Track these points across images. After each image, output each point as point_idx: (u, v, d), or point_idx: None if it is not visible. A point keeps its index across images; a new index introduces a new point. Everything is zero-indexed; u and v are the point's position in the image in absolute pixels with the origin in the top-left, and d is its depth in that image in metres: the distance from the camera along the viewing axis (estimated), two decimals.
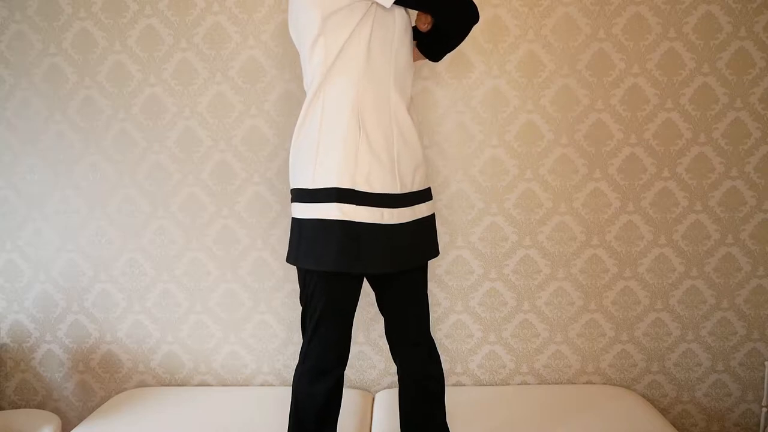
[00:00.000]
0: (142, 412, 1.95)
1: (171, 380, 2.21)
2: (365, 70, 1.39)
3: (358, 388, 2.18)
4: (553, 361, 2.17)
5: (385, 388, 2.16)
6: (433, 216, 1.55)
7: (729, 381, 2.17)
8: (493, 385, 2.18)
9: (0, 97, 2.10)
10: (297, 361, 1.53)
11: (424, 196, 1.51)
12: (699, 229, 2.10)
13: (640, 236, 2.11)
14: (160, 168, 2.11)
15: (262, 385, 2.20)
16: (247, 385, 2.20)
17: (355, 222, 1.37)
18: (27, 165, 2.13)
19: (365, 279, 1.59)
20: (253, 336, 2.17)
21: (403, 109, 1.44)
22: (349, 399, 1.99)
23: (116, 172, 2.12)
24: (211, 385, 2.20)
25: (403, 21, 1.45)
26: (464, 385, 2.18)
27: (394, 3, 1.39)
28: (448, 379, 2.14)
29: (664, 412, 2.18)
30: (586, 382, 2.19)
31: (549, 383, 2.18)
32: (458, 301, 2.15)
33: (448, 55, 2.02)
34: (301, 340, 1.53)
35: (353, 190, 1.37)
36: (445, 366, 2.12)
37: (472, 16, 1.48)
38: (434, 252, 1.56)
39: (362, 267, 1.40)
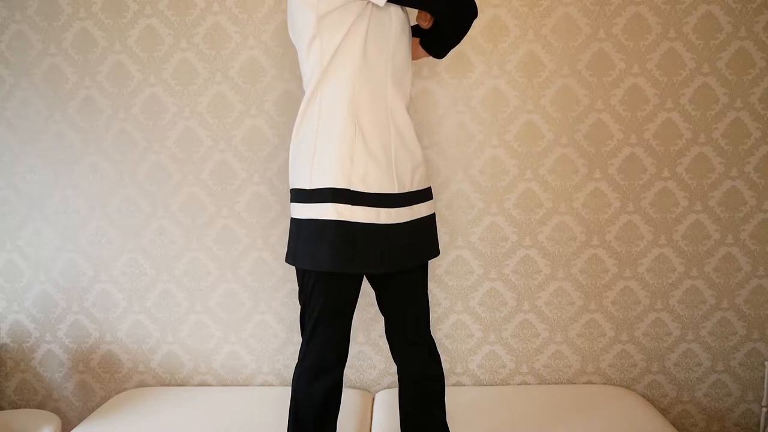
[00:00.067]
0: (142, 412, 1.95)
1: (171, 380, 2.21)
2: (361, 70, 1.38)
3: (358, 388, 2.18)
4: (553, 361, 2.17)
5: (385, 388, 2.16)
6: (433, 216, 1.55)
7: (729, 381, 2.17)
8: (493, 385, 2.18)
9: (0, 97, 2.10)
10: (297, 361, 1.53)
11: (424, 195, 1.51)
12: (699, 229, 2.11)
13: (640, 236, 2.11)
14: (160, 168, 2.11)
15: (262, 385, 2.20)
16: (247, 385, 2.20)
17: (350, 222, 1.37)
18: (27, 165, 2.13)
19: (366, 278, 1.59)
20: (253, 336, 2.17)
21: (401, 109, 1.44)
22: (349, 399, 1.99)
23: (116, 172, 2.12)
24: (211, 385, 2.20)
25: (399, 19, 1.44)
26: (464, 385, 2.18)
27: (389, 1, 1.39)
28: (448, 379, 2.14)
29: (664, 412, 2.18)
30: (586, 382, 2.19)
31: (549, 383, 2.18)
32: (458, 301, 2.15)
33: (448, 54, 2.03)
34: (301, 340, 1.53)
35: (349, 190, 1.37)
36: (445, 366, 2.12)
37: (471, 12, 1.47)
38: (434, 252, 1.56)
39: (357, 267, 1.40)
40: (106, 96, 2.09)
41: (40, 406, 2.23)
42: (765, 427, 2.11)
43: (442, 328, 2.15)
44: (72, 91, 2.09)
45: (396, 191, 1.41)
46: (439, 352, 1.63)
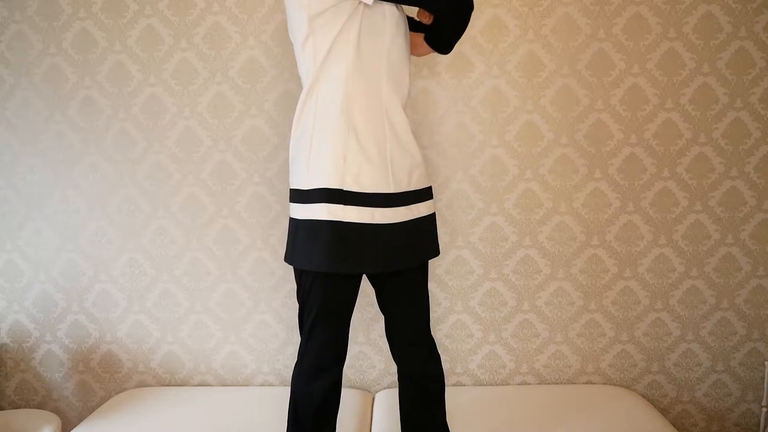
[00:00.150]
0: (142, 412, 1.95)
1: (171, 380, 2.21)
2: (355, 69, 1.38)
3: (358, 388, 2.18)
4: (553, 361, 2.17)
5: (385, 388, 2.16)
6: (433, 215, 1.54)
7: (729, 381, 2.17)
8: (493, 385, 2.18)
9: (0, 97, 2.10)
10: (296, 360, 1.53)
11: (423, 195, 1.50)
12: (699, 229, 2.11)
13: (640, 236, 2.11)
14: (160, 168, 2.11)
15: (262, 385, 2.20)
16: (247, 385, 2.20)
17: (343, 222, 1.37)
18: (27, 165, 2.13)
19: (366, 277, 1.59)
20: (253, 336, 2.17)
21: (398, 107, 1.43)
22: (349, 399, 1.99)
23: (116, 172, 2.12)
24: (211, 385, 2.20)
25: (394, 18, 1.43)
26: (464, 385, 2.18)
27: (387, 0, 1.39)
28: (448, 379, 2.14)
29: (664, 412, 2.18)
30: (586, 382, 2.19)
31: (549, 383, 2.18)
32: (458, 301, 2.15)
33: (448, 55, 2.03)
34: (300, 340, 1.53)
35: (341, 190, 1.37)
36: (445, 366, 2.12)
37: (466, 5, 1.45)
38: (433, 252, 1.55)
39: (352, 267, 1.40)
40: (106, 96, 2.09)
41: (40, 406, 2.23)
42: (765, 427, 2.11)
43: (442, 328, 2.15)
44: (72, 91, 2.09)
45: (392, 191, 1.41)
46: (439, 352, 1.63)
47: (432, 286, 2.12)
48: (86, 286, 2.17)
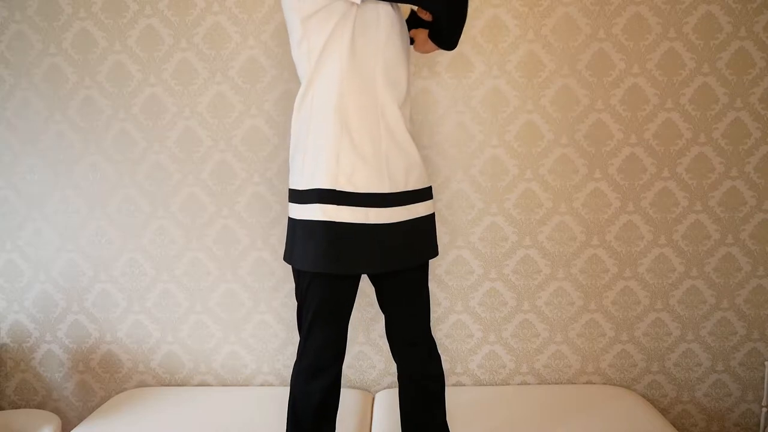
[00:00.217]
0: (142, 412, 1.95)
1: (171, 380, 2.21)
2: (349, 69, 1.38)
3: (358, 388, 2.18)
4: (553, 361, 2.17)
5: (385, 388, 2.16)
6: (432, 216, 1.54)
7: (729, 381, 2.17)
8: (493, 385, 2.18)
9: (0, 97, 2.10)
10: (295, 359, 1.53)
11: (422, 195, 1.49)
12: (699, 229, 2.11)
13: (640, 236, 2.11)
14: (160, 168, 2.11)
15: (262, 385, 2.20)
16: (247, 385, 2.20)
17: (336, 222, 1.38)
18: (27, 165, 2.13)
19: (367, 277, 1.59)
20: (253, 336, 2.18)
21: (393, 108, 1.42)
22: (349, 399, 1.99)
23: (116, 172, 2.12)
24: (211, 385, 2.20)
25: (389, 17, 1.42)
26: (464, 385, 2.18)
27: None
28: (448, 379, 2.14)
29: (664, 412, 2.19)
30: (586, 382, 2.19)
31: (549, 383, 2.18)
32: (458, 301, 2.15)
33: (448, 55, 2.03)
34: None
35: (335, 190, 1.37)
36: (445, 366, 2.12)
37: (461, 3, 1.43)
38: (432, 252, 1.55)
39: (346, 267, 1.40)
40: (106, 96, 2.09)
41: (40, 406, 2.23)
42: (765, 427, 2.11)
43: (442, 328, 2.15)
44: (72, 91, 2.09)
45: (388, 191, 1.41)
46: (439, 352, 1.63)
47: (432, 286, 2.12)
48: (86, 286, 2.17)
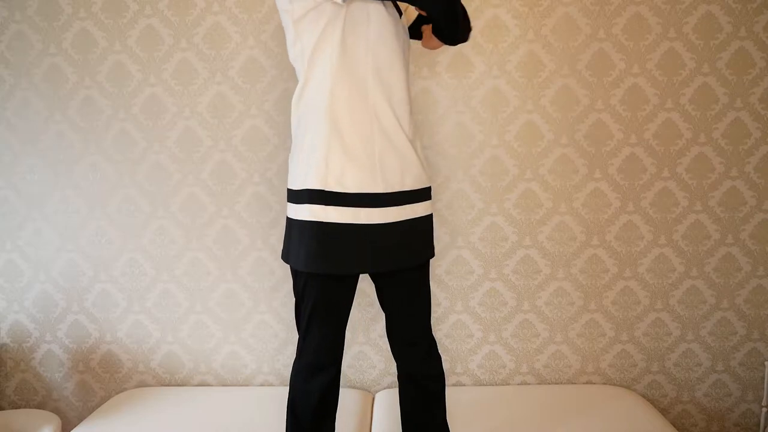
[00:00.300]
0: (142, 412, 1.95)
1: (171, 380, 2.21)
2: (339, 70, 1.38)
3: (358, 388, 2.18)
4: (553, 361, 2.17)
5: (385, 388, 2.16)
6: (429, 216, 1.53)
7: (729, 381, 2.17)
8: (493, 385, 2.18)
9: (0, 97, 2.10)
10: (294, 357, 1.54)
11: (419, 195, 1.48)
12: (699, 229, 2.11)
13: (640, 236, 2.11)
14: (160, 168, 2.11)
15: (262, 385, 2.20)
16: (247, 385, 2.20)
17: (324, 223, 1.38)
18: (27, 165, 2.13)
19: (369, 276, 1.59)
20: (253, 336, 2.18)
21: (386, 108, 1.42)
22: (349, 399, 1.99)
23: (116, 172, 2.12)
24: (211, 385, 2.21)
25: (380, 17, 1.41)
26: (464, 385, 2.18)
27: None
28: (448, 379, 2.14)
29: (664, 412, 2.19)
30: (586, 382, 2.19)
31: (549, 383, 2.18)
32: (458, 301, 2.15)
33: (448, 55, 2.03)
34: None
35: (323, 191, 1.38)
36: (445, 366, 2.12)
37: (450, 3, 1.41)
38: (428, 253, 1.54)
39: (333, 267, 1.40)
40: (106, 96, 2.09)
41: (40, 406, 2.23)
42: (765, 427, 2.11)
43: (442, 328, 2.15)
44: (72, 91, 2.09)
45: (381, 191, 1.40)
46: (440, 352, 1.63)
47: (432, 286, 2.11)
48: (86, 286, 2.17)
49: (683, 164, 2.08)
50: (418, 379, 1.56)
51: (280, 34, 2.04)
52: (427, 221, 1.52)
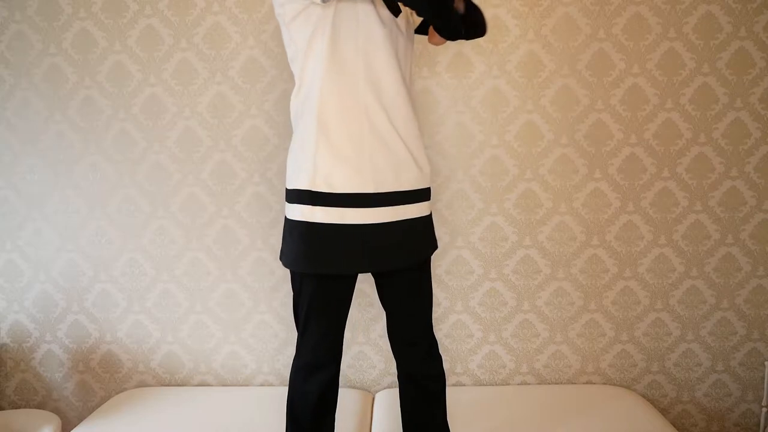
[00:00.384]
0: (142, 412, 1.95)
1: (171, 380, 2.21)
2: (328, 70, 1.38)
3: (358, 388, 2.18)
4: (553, 361, 2.17)
5: (385, 388, 2.16)
6: (426, 217, 1.52)
7: (729, 381, 2.17)
8: (493, 385, 2.18)
9: (0, 97, 2.10)
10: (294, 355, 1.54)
11: (415, 196, 1.47)
12: (699, 229, 2.11)
13: (640, 236, 2.11)
14: (160, 168, 2.11)
15: (262, 385, 2.20)
16: (247, 385, 2.20)
17: (311, 222, 1.39)
18: (27, 165, 2.13)
19: (371, 275, 1.59)
20: (253, 336, 2.17)
21: (378, 108, 1.41)
22: (349, 399, 1.99)
23: (116, 172, 2.12)
24: (211, 385, 2.20)
25: (369, 17, 1.40)
26: (464, 385, 2.18)
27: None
28: (448, 379, 2.14)
29: (664, 412, 2.18)
30: (586, 382, 2.19)
31: (549, 383, 2.18)
32: (458, 301, 2.15)
33: (448, 55, 2.03)
34: None
35: (310, 191, 1.39)
36: (445, 366, 2.11)
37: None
38: (429, 251, 1.53)
39: (321, 267, 1.41)
40: (106, 96, 2.09)
41: (40, 406, 2.23)
42: (765, 427, 2.11)
43: (442, 328, 2.15)
44: (72, 91, 2.09)
45: (371, 191, 1.40)
46: (440, 351, 1.63)
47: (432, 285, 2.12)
48: (86, 286, 2.17)
49: (683, 164, 2.08)
50: (417, 379, 1.56)
51: (279, 34, 2.04)
52: (426, 221, 1.51)
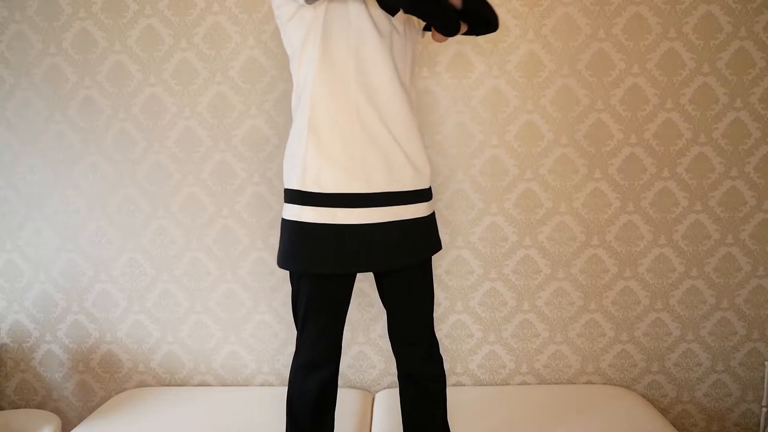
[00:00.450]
0: (142, 412, 1.95)
1: (171, 380, 2.21)
2: (320, 70, 1.39)
3: (358, 388, 2.18)
4: (553, 361, 2.17)
5: (385, 388, 2.16)
6: (427, 218, 1.51)
7: (729, 381, 2.17)
8: (493, 385, 2.18)
9: (0, 97, 2.10)
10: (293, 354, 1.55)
11: (412, 196, 1.46)
12: (699, 229, 2.11)
13: (640, 236, 2.11)
14: (160, 168, 2.11)
15: (262, 385, 2.20)
16: (247, 385, 2.20)
17: (301, 222, 1.40)
18: (27, 165, 2.13)
19: (373, 274, 1.59)
20: (253, 336, 2.17)
21: (369, 109, 1.40)
22: (349, 399, 1.99)
23: (116, 172, 2.12)
24: (211, 385, 2.20)
25: (360, 17, 1.40)
26: (464, 385, 2.18)
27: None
28: (448, 379, 2.14)
29: (664, 412, 2.18)
30: (586, 382, 2.19)
31: (549, 383, 2.18)
32: (458, 301, 2.15)
33: (448, 55, 2.03)
34: None
35: (301, 191, 1.40)
36: (445, 366, 2.11)
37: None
38: (428, 252, 1.53)
39: (310, 267, 1.42)
40: (106, 96, 2.09)
41: (40, 406, 2.23)
42: (765, 427, 2.11)
43: (442, 328, 2.15)
44: (72, 91, 2.09)
45: (362, 191, 1.40)
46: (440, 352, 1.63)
47: None
48: (86, 286, 2.17)
49: (683, 164, 2.08)
50: (418, 379, 1.56)
51: (279, 34, 2.04)
52: (425, 222, 1.50)
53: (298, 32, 1.41)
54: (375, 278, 1.56)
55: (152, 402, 2.02)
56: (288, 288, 2.13)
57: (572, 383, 2.18)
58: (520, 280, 2.14)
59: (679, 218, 2.10)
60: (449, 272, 2.14)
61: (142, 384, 2.22)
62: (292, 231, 1.42)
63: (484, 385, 2.18)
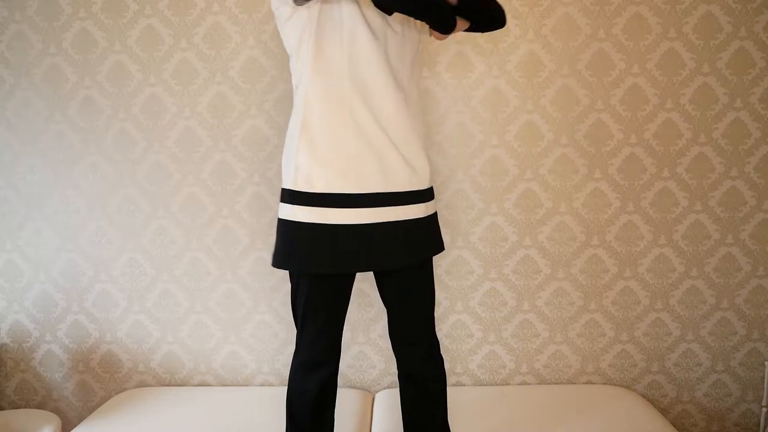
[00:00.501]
0: (142, 412, 1.95)
1: (171, 380, 2.21)
2: (314, 71, 1.40)
3: (358, 388, 2.18)
4: (553, 361, 2.17)
5: (385, 388, 2.16)
6: (427, 218, 1.50)
7: (729, 381, 2.17)
8: (493, 385, 2.18)
9: (0, 97, 2.10)
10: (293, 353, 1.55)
11: (409, 197, 1.46)
12: (699, 229, 2.11)
13: (640, 236, 2.11)
14: (160, 168, 2.11)
15: (262, 385, 2.20)
16: (247, 385, 2.20)
17: (292, 221, 1.41)
18: (27, 165, 2.13)
19: (373, 274, 1.59)
20: (253, 336, 2.17)
21: (363, 110, 1.40)
22: (349, 399, 1.99)
23: (116, 172, 2.12)
24: (211, 385, 2.20)
25: (353, 18, 1.39)
26: (464, 385, 2.18)
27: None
28: (448, 379, 2.14)
29: (664, 412, 2.18)
30: (586, 382, 2.19)
31: (549, 383, 2.18)
32: (458, 301, 2.15)
33: (448, 55, 2.03)
34: None
35: (293, 190, 1.41)
36: (446, 366, 2.11)
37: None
38: (428, 252, 1.52)
39: (303, 266, 1.42)
40: (106, 96, 2.09)
41: (40, 406, 2.23)
42: (765, 427, 2.11)
43: (442, 328, 2.15)
44: (72, 91, 2.09)
45: (355, 191, 1.40)
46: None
47: None
48: (86, 286, 2.17)
49: (683, 164, 2.08)
50: (418, 379, 1.56)
51: (279, 34, 2.04)
52: (425, 222, 1.49)
53: (295, 31, 1.42)
54: (375, 278, 1.56)
55: (152, 402, 2.02)
56: (288, 288, 2.12)
57: (572, 383, 2.18)
58: (520, 280, 2.14)
59: (679, 218, 2.10)
60: (449, 272, 2.14)
61: (142, 384, 2.22)
62: (284, 230, 1.43)
63: (484, 385, 2.18)
